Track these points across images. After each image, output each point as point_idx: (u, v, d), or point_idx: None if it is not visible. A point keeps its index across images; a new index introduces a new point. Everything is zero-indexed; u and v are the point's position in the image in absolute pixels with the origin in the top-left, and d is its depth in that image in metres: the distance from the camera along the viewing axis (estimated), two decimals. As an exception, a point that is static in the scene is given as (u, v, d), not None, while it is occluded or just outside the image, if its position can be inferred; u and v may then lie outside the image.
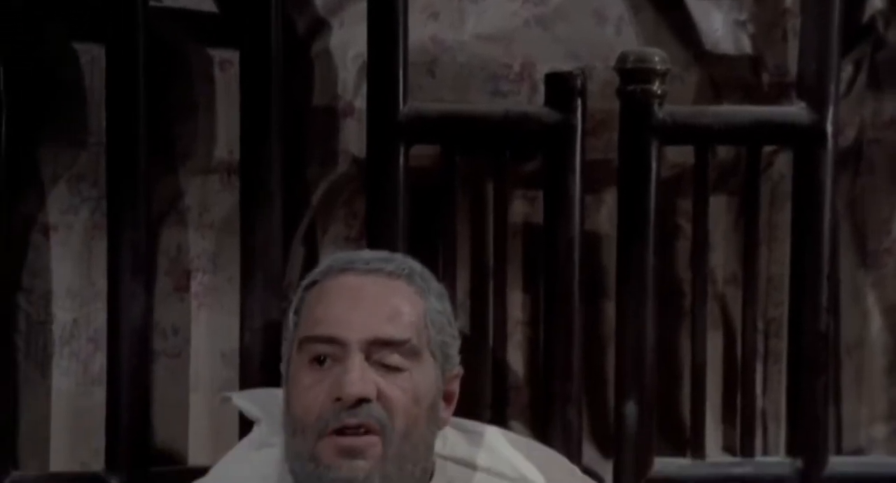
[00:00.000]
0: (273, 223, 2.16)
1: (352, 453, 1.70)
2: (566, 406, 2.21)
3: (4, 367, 2.14)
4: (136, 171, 2.12)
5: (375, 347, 1.72)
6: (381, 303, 1.76)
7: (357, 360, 1.70)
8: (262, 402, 1.99)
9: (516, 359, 2.36)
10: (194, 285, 2.28)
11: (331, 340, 1.71)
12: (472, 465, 1.93)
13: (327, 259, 1.85)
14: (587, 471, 2.15)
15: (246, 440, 1.96)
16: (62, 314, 2.22)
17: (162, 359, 2.24)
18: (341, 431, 1.71)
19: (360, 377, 1.69)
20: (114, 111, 2.13)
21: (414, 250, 2.11)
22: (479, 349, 2.34)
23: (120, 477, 2.11)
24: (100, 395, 2.16)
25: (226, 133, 2.24)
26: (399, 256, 1.85)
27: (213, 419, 2.20)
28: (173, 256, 2.27)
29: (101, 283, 2.17)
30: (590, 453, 2.31)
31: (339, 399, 1.69)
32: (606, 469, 2.28)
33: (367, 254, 1.86)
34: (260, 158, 2.18)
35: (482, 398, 2.27)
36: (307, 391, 1.72)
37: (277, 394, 1.84)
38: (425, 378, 1.75)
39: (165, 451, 2.23)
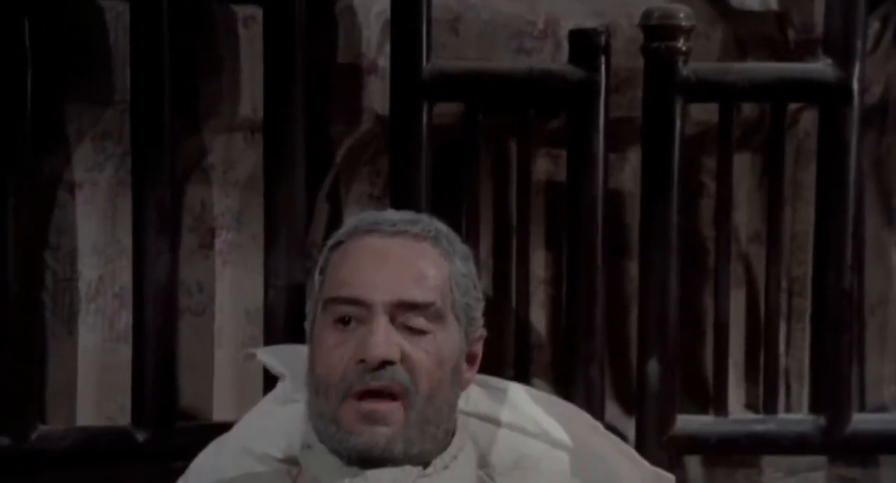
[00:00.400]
0: (296, 181, 2.17)
1: (373, 419, 1.71)
2: (589, 364, 2.23)
3: (32, 324, 2.14)
4: (161, 128, 2.13)
5: (400, 310, 1.71)
6: (407, 265, 1.75)
7: (381, 323, 1.70)
8: (286, 358, 2.00)
9: (539, 317, 2.39)
10: (219, 243, 2.30)
11: (356, 302, 1.71)
12: (495, 422, 1.93)
13: (352, 219, 1.84)
14: (610, 428, 2.13)
15: (270, 396, 1.97)
16: (88, 271, 2.24)
17: (187, 316, 2.25)
18: (364, 395, 1.71)
19: (384, 340, 1.69)
20: (138, 68, 2.14)
21: (437, 208, 2.13)
22: (502, 308, 2.35)
23: (146, 432, 2.12)
24: (125, 351, 2.18)
25: (250, 91, 2.24)
26: (425, 217, 1.84)
27: (238, 375, 2.22)
28: (198, 214, 2.28)
29: (126, 241, 2.18)
30: (612, 411, 2.32)
31: (362, 361, 1.69)
32: (629, 426, 2.29)
33: (392, 215, 1.85)
34: (283, 116, 2.18)
35: (505, 356, 2.28)
36: (331, 351, 1.72)
37: (301, 350, 1.84)
38: (449, 340, 1.75)
39: (190, 406, 2.24)
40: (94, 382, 2.25)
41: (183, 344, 2.23)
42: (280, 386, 2.00)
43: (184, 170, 2.25)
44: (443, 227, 1.81)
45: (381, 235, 1.77)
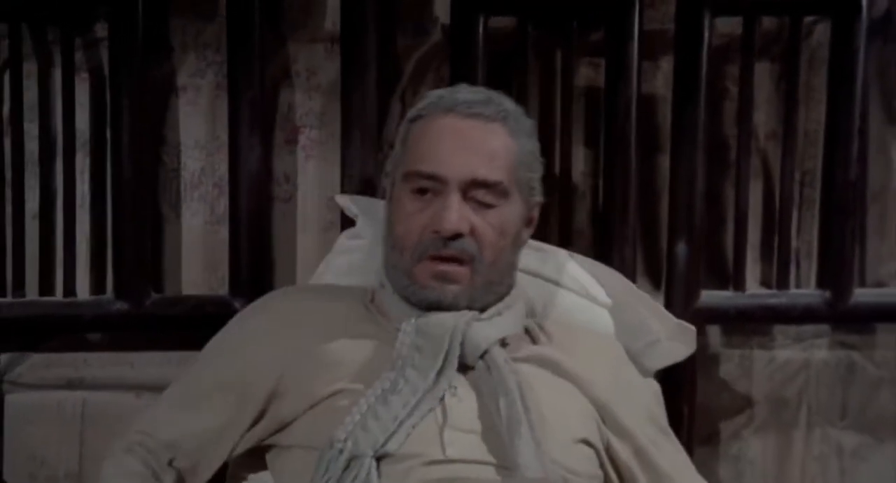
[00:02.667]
0: (369, 86, 2.24)
1: (444, 278, 1.81)
2: (623, 245, 2.31)
3: (145, 207, 2.26)
4: (253, 40, 2.23)
5: (471, 187, 1.79)
6: (480, 146, 1.82)
7: (455, 199, 1.79)
8: (361, 204, 2.16)
9: (580, 205, 2.43)
10: (302, 139, 2.37)
11: (433, 177, 1.80)
12: (545, 279, 2.06)
13: (431, 95, 1.90)
14: None
15: (343, 234, 2.15)
16: (192, 163, 2.35)
17: (276, 203, 2.35)
18: (437, 258, 1.80)
19: (457, 215, 1.78)
20: (234, -13, 2.19)
21: None
22: (548, 195, 2.21)
23: (242, 299, 2.22)
24: (223, 232, 2.31)
25: (330, 6, 2.31)
26: (495, 97, 1.89)
27: (319, 256, 2.24)
28: (285, 114, 2.36)
29: (224, 137, 2.30)
30: (644, 287, 2.37)
31: (437, 232, 1.79)
32: (658, 300, 2.33)
33: (467, 94, 1.89)
34: (358, 29, 2.25)
35: (551, 239, 2.30)
36: (410, 217, 1.81)
37: (375, 201, 2.00)
38: (512, 213, 1.84)
39: (279, 278, 2.32)
40: (198, 258, 2.36)
41: (272, 226, 2.32)
42: (354, 227, 2.13)
43: (273, 76, 2.32)
44: (511, 106, 1.87)
45: (457, 116, 1.83)
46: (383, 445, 1.70)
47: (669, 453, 1.94)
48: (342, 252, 2.14)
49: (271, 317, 1.91)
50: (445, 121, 1.84)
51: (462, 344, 1.78)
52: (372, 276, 1.97)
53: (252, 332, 1.90)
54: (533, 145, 1.88)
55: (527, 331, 1.96)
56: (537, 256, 2.09)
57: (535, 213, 1.91)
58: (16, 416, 2.31)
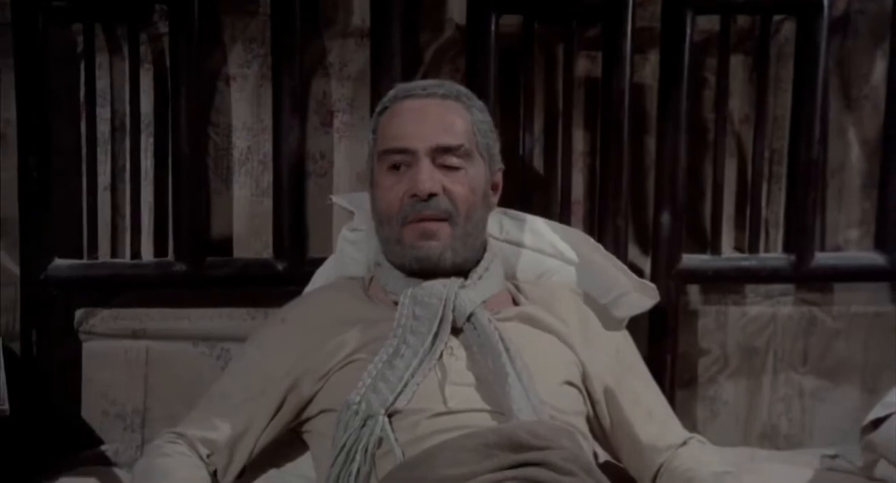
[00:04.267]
0: (394, 75, 2.26)
1: (428, 236, 1.88)
2: (616, 216, 2.36)
3: (199, 181, 2.31)
4: (293, 34, 2.28)
5: (438, 153, 1.87)
6: (439, 119, 1.90)
7: (425, 164, 1.86)
8: (354, 201, 2.18)
9: (578, 180, 2.46)
10: (336, 122, 2.41)
11: (403, 151, 1.88)
12: (521, 245, 2.13)
13: (392, 90, 1.96)
14: (631, 265, 2.31)
15: (346, 226, 2.18)
16: (240, 142, 2.40)
17: (312, 177, 2.40)
18: (418, 219, 1.87)
19: (429, 177, 1.86)
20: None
21: (501, 97, 2.32)
22: (550, 172, 2.45)
23: (283, 262, 2.31)
24: (267, 203, 2.37)
25: (360, 5, 2.36)
26: (447, 82, 1.99)
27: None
28: (320, 100, 2.40)
29: (268, 120, 2.35)
30: (633, 251, 2.44)
31: (414, 195, 1.86)
32: (645, 263, 2.44)
33: (423, 82, 1.99)
34: (385, 25, 2.30)
35: (552, 210, 2.40)
36: (388, 191, 1.89)
37: (364, 195, 2.05)
38: (477, 173, 1.91)
39: (315, 244, 2.37)
40: (245, 226, 2.41)
41: (310, 199, 2.37)
42: (351, 221, 2.17)
43: (310, 66, 2.37)
44: (462, 88, 1.96)
45: (416, 98, 1.92)
46: (392, 403, 1.77)
47: (635, 389, 1.98)
48: (345, 242, 2.16)
49: (279, 330, 1.96)
50: (406, 103, 1.92)
51: (452, 309, 1.85)
52: (370, 263, 2.04)
53: (266, 346, 1.95)
54: (485, 117, 1.95)
55: (509, 292, 2.01)
56: (515, 224, 2.14)
57: (499, 179, 1.99)
58: (91, 361, 2.35)
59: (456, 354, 1.85)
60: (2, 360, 2.05)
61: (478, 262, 1.93)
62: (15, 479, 2.18)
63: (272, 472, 1.97)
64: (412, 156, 1.87)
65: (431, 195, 1.86)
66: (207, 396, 1.94)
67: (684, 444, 1.96)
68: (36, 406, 2.24)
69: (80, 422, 2.37)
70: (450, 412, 1.77)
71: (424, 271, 1.87)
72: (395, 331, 1.84)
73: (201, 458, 1.85)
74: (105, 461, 2.31)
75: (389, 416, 1.76)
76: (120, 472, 2.22)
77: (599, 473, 1.74)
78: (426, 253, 1.88)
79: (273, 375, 1.88)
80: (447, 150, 1.88)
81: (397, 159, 1.89)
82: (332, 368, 1.85)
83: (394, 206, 1.89)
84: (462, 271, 1.89)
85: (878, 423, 2.18)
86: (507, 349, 1.82)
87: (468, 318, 1.86)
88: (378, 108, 1.97)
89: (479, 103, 1.96)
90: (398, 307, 1.86)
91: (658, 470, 1.93)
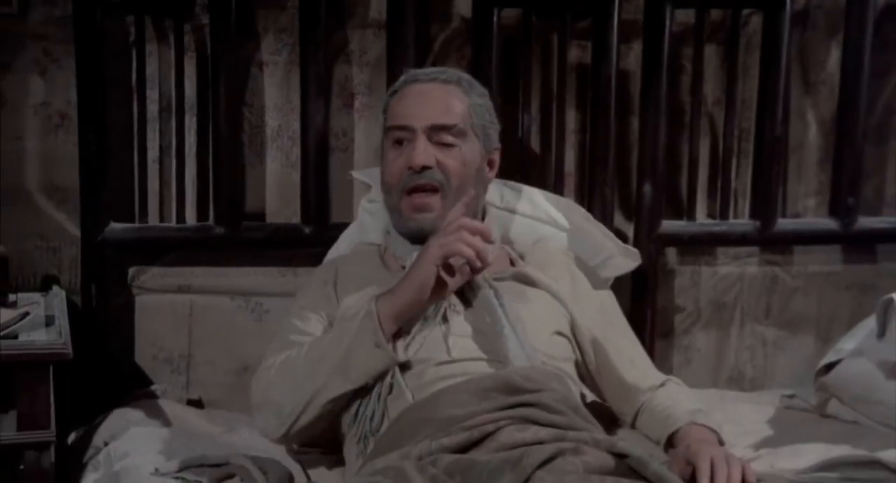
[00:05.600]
0: (407, 63, 2.34)
1: (421, 208, 1.93)
2: (604, 187, 2.47)
3: (235, 155, 2.41)
4: (319, 25, 2.36)
5: (435, 131, 1.92)
6: (439, 101, 1.95)
7: (422, 141, 1.92)
8: (371, 175, 2.24)
9: (570, 155, 2.55)
10: (356, 103, 2.50)
11: (404, 127, 1.94)
12: (517, 212, 2.22)
13: (403, 76, 2.02)
14: (617, 231, 2.42)
15: (364, 197, 2.27)
16: (271, 121, 2.47)
17: (336, 152, 2.48)
18: (413, 191, 1.91)
19: (423, 151, 1.91)
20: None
21: (502, 82, 2.39)
22: (545, 148, 2.54)
23: (310, 227, 2.42)
24: (296, 175, 2.45)
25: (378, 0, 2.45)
26: (450, 69, 2.04)
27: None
28: (342, 84, 2.48)
29: (296, 101, 2.43)
30: (618, 218, 2.54)
31: (410, 167, 1.91)
32: (629, 229, 2.54)
33: (428, 69, 2.05)
34: (399, 18, 2.40)
35: (547, 181, 2.50)
36: (392, 163, 1.96)
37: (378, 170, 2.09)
38: (471, 150, 1.95)
39: (339, 211, 2.46)
40: (276, 195, 2.49)
41: (333, 171, 2.45)
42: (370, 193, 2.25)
43: (333, 54, 2.44)
44: (464, 74, 2.00)
45: (421, 83, 1.98)
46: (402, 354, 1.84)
47: (618, 340, 2.06)
48: (364, 212, 2.24)
49: (316, 282, 2.05)
50: (412, 87, 1.98)
51: None
52: (384, 230, 2.09)
53: (309, 293, 2.04)
54: (484, 101, 1.99)
55: (507, 255, 2.07)
56: (514, 194, 2.24)
57: (496, 157, 2.02)
58: (142, 313, 2.44)
59: (457, 309, 1.91)
60: (66, 312, 2.15)
61: None
62: (79, 413, 2.27)
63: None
64: (412, 133, 1.93)
65: (425, 168, 1.91)
66: (286, 327, 1.98)
67: (662, 385, 2.06)
68: (95, 351, 2.35)
69: (133, 365, 2.47)
70: (453, 361, 1.83)
71: (424, 239, 1.90)
72: None
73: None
74: (154, 398, 2.40)
75: (400, 365, 1.83)
76: (164, 404, 2.31)
77: (586, 412, 1.82)
78: (419, 224, 1.94)
79: (317, 310, 1.98)
80: (443, 128, 1.93)
81: (400, 135, 1.95)
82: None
83: (395, 177, 1.95)
84: None
85: (829, 367, 2.29)
86: (501, 304, 1.87)
87: None
88: (389, 91, 2.04)
89: (480, 89, 2.01)
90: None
91: (640, 408, 2.03)
